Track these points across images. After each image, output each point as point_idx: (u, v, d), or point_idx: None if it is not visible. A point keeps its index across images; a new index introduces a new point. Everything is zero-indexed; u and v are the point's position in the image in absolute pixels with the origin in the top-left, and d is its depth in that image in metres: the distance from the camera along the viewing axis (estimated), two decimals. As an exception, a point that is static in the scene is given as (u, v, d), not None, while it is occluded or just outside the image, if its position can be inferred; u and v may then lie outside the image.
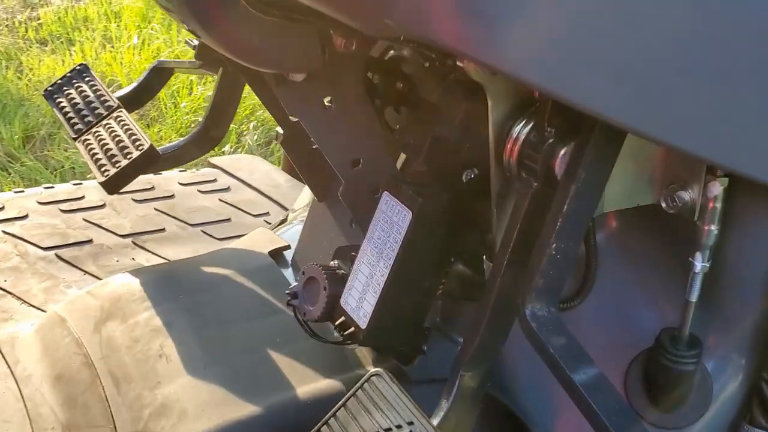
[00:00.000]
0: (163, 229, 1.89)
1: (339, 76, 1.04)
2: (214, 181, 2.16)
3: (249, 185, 2.16)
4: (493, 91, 0.87)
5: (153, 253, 1.79)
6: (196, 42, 1.46)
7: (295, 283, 1.16)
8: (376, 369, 0.98)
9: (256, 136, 3.30)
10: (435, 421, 0.95)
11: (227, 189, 2.14)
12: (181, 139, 1.57)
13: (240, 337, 1.22)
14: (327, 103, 1.07)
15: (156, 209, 1.95)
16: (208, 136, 1.52)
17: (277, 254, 1.46)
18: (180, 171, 2.16)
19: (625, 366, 1.12)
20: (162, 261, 1.75)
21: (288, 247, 1.48)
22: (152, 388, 1.13)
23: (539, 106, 0.88)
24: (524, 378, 1.12)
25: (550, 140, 0.86)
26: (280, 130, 1.36)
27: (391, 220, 1.02)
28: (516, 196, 0.91)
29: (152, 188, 2.03)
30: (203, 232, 1.93)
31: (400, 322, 1.07)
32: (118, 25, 4.25)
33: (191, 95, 3.82)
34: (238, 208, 2.06)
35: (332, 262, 1.17)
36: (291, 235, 1.58)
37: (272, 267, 1.40)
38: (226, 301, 1.30)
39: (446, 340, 1.21)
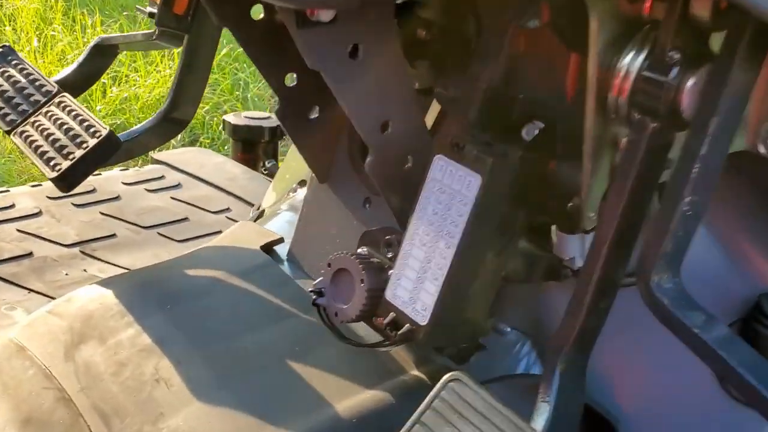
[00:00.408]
0: (114, 235, 1.65)
1: (371, 19, 0.85)
2: (162, 178, 1.92)
3: (202, 180, 1.93)
4: (600, 10, 0.69)
5: (107, 263, 1.54)
6: (150, 9, 1.23)
7: (318, 278, 0.96)
8: (453, 373, 0.80)
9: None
10: (539, 429, 0.77)
11: (178, 186, 1.91)
12: (142, 123, 1.33)
13: (251, 350, 1.01)
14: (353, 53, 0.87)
15: (102, 213, 1.71)
16: (174, 119, 1.29)
17: (268, 250, 1.25)
18: (121, 170, 1.92)
19: None
20: (120, 270, 1.51)
21: (281, 240, 1.27)
22: (154, 422, 0.91)
23: (652, 28, 0.71)
24: (615, 376, 0.96)
25: (675, 68, 0.69)
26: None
27: (451, 189, 0.83)
28: (626, 143, 0.74)
29: (93, 190, 1.78)
30: (160, 234, 1.70)
31: (465, 313, 0.88)
32: (14, 29, 3.89)
33: (105, 97, 3.52)
34: (194, 206, 1.83)
35: (361, 250, 0.97)
36: (279, 227, 1.37)
37: (269, 264, 1.19)
38: (224, 309, 1.09)
39: (493, 332, 1.03)
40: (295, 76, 1.07)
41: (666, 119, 0.71)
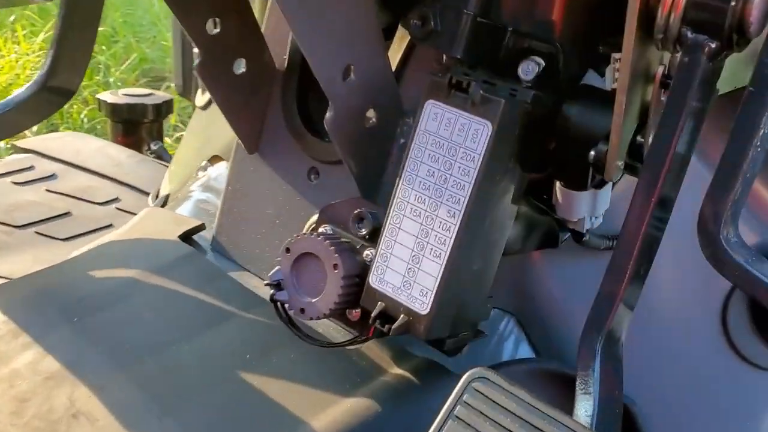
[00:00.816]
0: (-22, 239, 1.37)
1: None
2: (32, 168, 1.64)
3: (81, 168, 1.66)
4: None
5: (-25, 274, 1.27)
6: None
7: (275, 268, 0.77)
8: (473, 371, 0.64)
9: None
10: (586, 423, 0.63)
11: (52, 176, 1.63)
12: (11, 96, 1.08)
13: (191, 363, 0.81)
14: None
15: (-41, 215, 1.42)
16: (54, 89, 1.05)
17: (187, 239, 1.04)
18: (-23, 162, 1.62)
19: (724, 296, 0.86)
20: (-4, 279, 1.25)
21: (202, 226, 1.06)
22: (79, 472, 0.70)
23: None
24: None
25: None
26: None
27: (451, 143, 0.67)
28: (678, 68, 0.59)
29: (-55, 190, 1.48)
30: (38, 233, 1.43)
31: (470, 295, 0.72)
32: None
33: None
34: (76, 198, 1.56)
35: (323, 228, 0.79)
36: (193, 212, 1.16)
37: (194, 256, 0.98)
38: (147, 315, 0.88)
39: None
40: (218, 21, 0.87)
41: (727, 38, 0.58)
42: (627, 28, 0.60)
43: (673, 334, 0.88)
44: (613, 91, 0.75)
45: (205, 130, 1.28)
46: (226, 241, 1.01)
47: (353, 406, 0.76)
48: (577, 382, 0.66)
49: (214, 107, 1.27)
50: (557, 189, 0.76)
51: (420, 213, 0.68)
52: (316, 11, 0.69)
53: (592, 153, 0.67)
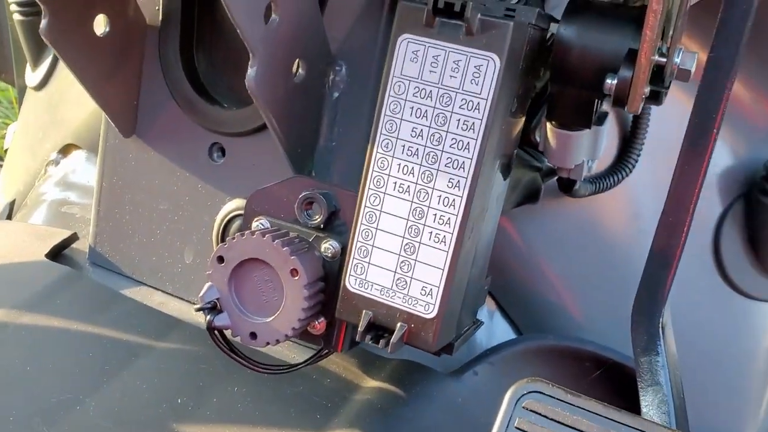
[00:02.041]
0: None
1: None
2: None
3: None
4: None
5: None
6: None
7: (206, 286, 0.58)
8: (520, 386, 0.48)
9: None
10: (663, 421, 0.49)
11: None
12: None
13: (106, 427, 0.60)
14: None
15: None
16: None
17: (57, 256, 0.81)
18: None
19: (715, 221, 0.76)
20: None
21: (74, 237, 0.83)
22: None
23: None
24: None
25: None
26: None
27: (443, 89, 0.50)
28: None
29: None
30: None
31: (475, 282, 0.57)
32: None
33: None
34: None
35: (258, 223, 0.61)
36: (52, 219, 0.92)
37: (74, 278, 0.76)
38: (31, 364, 0.65)
39: None
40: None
41: None
42: None
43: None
44: (613, 2, 0.61)
45: (47, 115, 1.02)
46: (109, 252, 0.79)
47: (336, 442, 0.59)
48: (638, 374, 0.52)
49: (55, 85, 1.02)
50: (549, 132, 0.61)
51: (409, 188, 0.51)
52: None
53: (610, 81, 0.53)
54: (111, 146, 0.78)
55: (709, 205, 0.76)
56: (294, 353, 0.69)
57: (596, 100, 0.56)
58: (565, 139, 0.61)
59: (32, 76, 1.06)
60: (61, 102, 0.98)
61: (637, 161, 0.74)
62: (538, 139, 0.66)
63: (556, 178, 0.71)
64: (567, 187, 0.69)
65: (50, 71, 1.03)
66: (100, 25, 0.70)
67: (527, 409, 0.47)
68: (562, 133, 0.60)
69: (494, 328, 0.79)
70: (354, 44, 0.66)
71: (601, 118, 0.61)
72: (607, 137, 0.74)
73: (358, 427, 0.61)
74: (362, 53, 0.66)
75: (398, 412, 0.63)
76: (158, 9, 0.74)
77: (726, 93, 0.47)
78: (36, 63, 1.06)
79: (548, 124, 0.61)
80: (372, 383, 0.66)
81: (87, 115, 0.95)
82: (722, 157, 0.75)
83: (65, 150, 0.97)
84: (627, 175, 0.74)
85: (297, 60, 0.62)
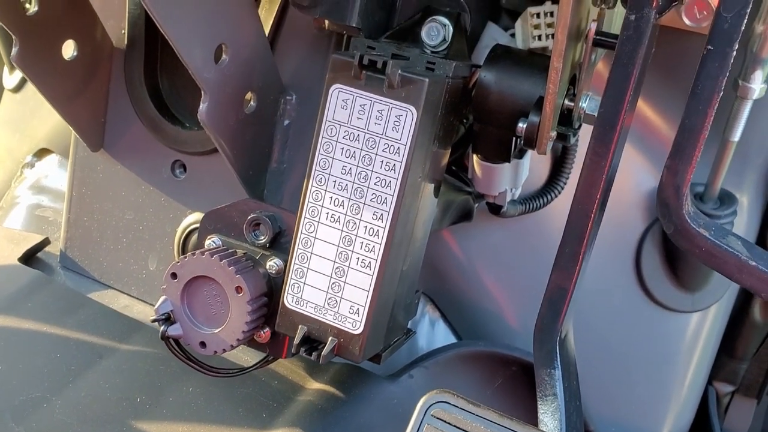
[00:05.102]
0: None
1: None
2: None
3: None
4: None
5: None
6: None
7: (161, 299, 0.64)
8: (430, 396, 0.55)
9: None
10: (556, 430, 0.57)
11: None
12: None
13: (71, 423, 0.67)
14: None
15: None
16: None
17: (29, 260, 0.87)
18: None
19: (637, 238, 0.83)
20: None
21: (46, 242, 0.89)
22: None
23: None
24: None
25: None
26: None
27: (369, 134, 0.56)
28: (625, 27, 0.52)
29: None
30: None
31: (401, 298, 0.64)
32: None
33: None
34: None
35: (210, 241, 0.67)
36: (26, 222, 0.98)
37: (44, 282, 0.82)
38: (3, 364, 0.72)
39: None
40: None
41: None
42: None
43: (587, 287, 0.84)
44: (531, 51, 0.67)
45: (22, 118, 1.08)
46: (78, 256, 0.86)
47: (279, 440, 0.66)
48: (537, 384, 0.59)
49: (31, 88, 1.07)
50: (475, 163, 0.68)
51: (339, 218, 0.58)
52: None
53: (521, 125, 0.59)
54: (80, 158, 0.84)
55: (632, 223, 0.83)
56: (247, 356, 0.76)
57: (514, 138, 0.63)
58: (488, 171, 0.67)
59: (10, 78, 1.11)
60: (37, 106, 1.03)
61: (565, 184, 0.80)
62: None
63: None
64: (495, 210, 0.75)
65: (26, 76, 1.07)
66: (69, 49, 0.76)
67: (435, 417, 0.54)
68: (485, 165, 0.67)
69: (436, 334, 0.86)
70: (303, 76, 0.72)
71: (521, 153, 0.67)
72: (539, 161, 0.81)
73: (300, 425, 0.68)
74: (311, 85, 0.72)
75: (337, 413, 0.70)
76: (124, 33, 0.79)
77: (612, 146, 0.54)
78: (13, 66, 1.10)
79: (474, 156, 0.68)
80: (315, 385, 0.73)
81: (60, 121, 1.00)
82: (646, 178, 0.81)
83: (40, 154, 1.03)
84: (556, 197, 0.81)
85: (249, 92, 0.68)
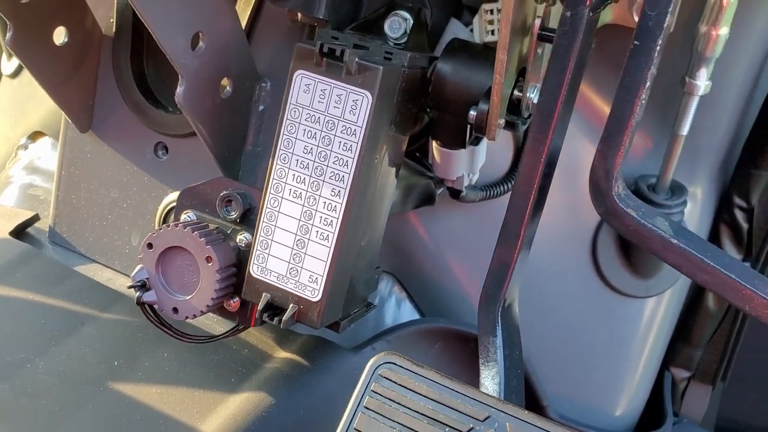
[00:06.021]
0: None
1: None
2: None
3: None
4: None
5: None
6: None
7: (137, 267, 0.69)
8: (378, 357, 0.60)
9: None
10: (498, 395, 0.61)
11: None
12: None
13: (52, 383, 0.72)
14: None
15: None
16: None
17: (20, 234, 0.92)
18: None
19: (593, 227, 0.88)
20: None
21: (36, 217, 0.94)
22: None
23: None
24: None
25: None
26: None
27: (328, 116, 0.61)
28: (562, 22, 0.57)
29: None
30: None
31: (359, 271, 0.68)
32: None
33: None
34: None
35: (187, 216, 0.72)
36: (18, 200, 1.03)
37: (32, 255, 0.87)
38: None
39: None
40: (29, -14, 0.74)
41: None
42: None
43: (546, 273, 0.89)
44: (486, 45, 0.72)
45: (18, 102, 1.13)
46: (66, 232, 0.91)
47: (243, 402, 0.71)
48: (479, 351, 0.64)
49: (27, 74, 1.12)
50: (434, 149, 0.73)
51: (301, 194, 0.63)
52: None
53: (472, 113, 0.64)
54: (70, 139, 0.89)
55: (589, 211, 0.88)
56: (221, 327, 0.81)
57: (468, 126, 0.68)
58: (446, 156, 0.72)
59: (7, 65, 1.16)
60: (32, 91, 1.08)
61: None
62: (432, 151, 0.77)
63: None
64: (455, 194, 0.80)
65: (23, 62, 1.13)
66: (60, 35, 0.81)
67: (382, 376, 0.59)
68: (443, 150, 0.72)
69: (402, 312, 0.91)
70: (278, 65, 0.77)
71: (477, 140, 0.72)
72: (501, 152, 0.86)
73: (266, 390, 0.73)
74: (285, 73, 0.76)
75: (302, 379, 0.75)
76: (113, 21, 0.84)
77: (549, 132, 0.58)
78: (11, 53, 1.15)
79: (433, 143, 0.72)
80: (283, 354, 0.78)
81: (53, 106, 1.05)
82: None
83: (33, 136, 1.08)
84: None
85: (225, 78, 0.73)
